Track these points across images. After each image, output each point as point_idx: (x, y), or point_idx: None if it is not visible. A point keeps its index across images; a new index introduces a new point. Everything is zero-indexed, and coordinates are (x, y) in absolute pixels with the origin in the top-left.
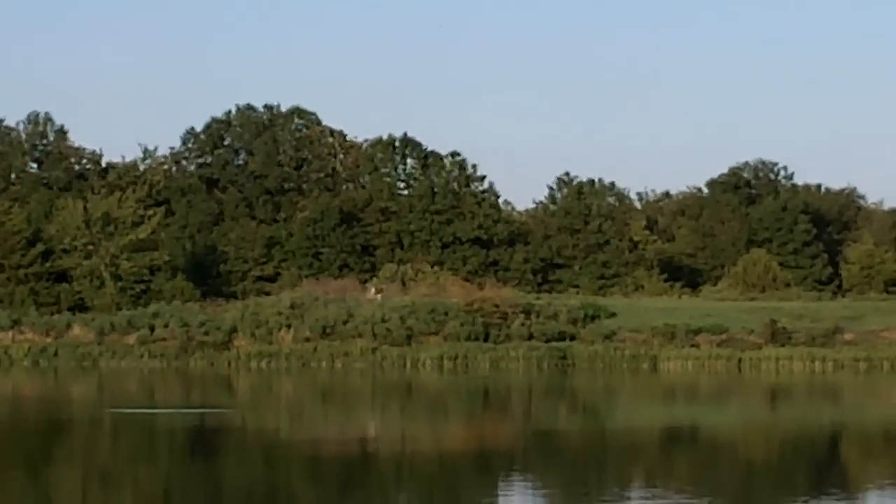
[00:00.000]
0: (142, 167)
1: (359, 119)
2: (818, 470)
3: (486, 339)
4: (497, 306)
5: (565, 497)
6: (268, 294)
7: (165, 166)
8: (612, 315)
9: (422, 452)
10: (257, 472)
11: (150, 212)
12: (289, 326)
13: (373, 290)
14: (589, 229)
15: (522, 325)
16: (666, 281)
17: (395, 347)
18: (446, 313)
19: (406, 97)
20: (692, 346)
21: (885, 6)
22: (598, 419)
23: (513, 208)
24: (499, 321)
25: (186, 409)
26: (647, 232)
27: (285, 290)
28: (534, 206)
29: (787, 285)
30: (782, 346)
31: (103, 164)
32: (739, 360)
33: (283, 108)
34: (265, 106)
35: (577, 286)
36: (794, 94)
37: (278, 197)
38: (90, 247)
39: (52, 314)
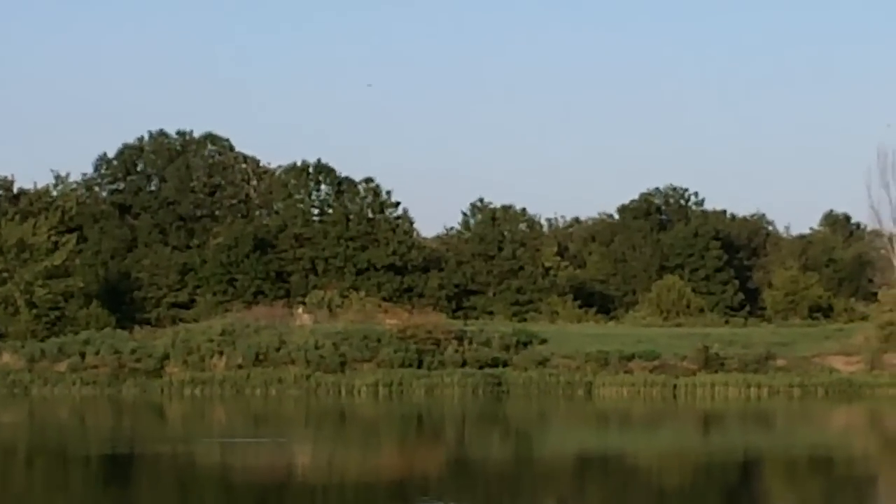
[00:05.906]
0: (54, 193)
1: (272, 145)
2: (731, 497)
3: (419, 366)
4: (430, 332)
5: None
6: (183, 321)
7: (78, 192)
8: (544, 341)
9: (344, 480)
10: (171, 500)
11: (63, 238)
12: (221, 353)
13: (305, 315)
14: (503, 255)
15: (456, 351)
16: (580, 307)
17: (329, 374)
18: (379, 340)
19: (319, 123)
20: (626, 372)
21: (793, 32)
22: (529, 446)
23: (418, 234)
24: (432, 347)
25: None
26: (559, 258)
27: (203, 316)
28: (444, 231)
29: (701, 311)
30: (715, 372)
31: (15, 191)
32: (674, 386)
33: (196, 135)
34: (178, 132)
35: (491, 312)
36: (703, 119)
37: (192, 223)
38: (4, 273)
39: None
